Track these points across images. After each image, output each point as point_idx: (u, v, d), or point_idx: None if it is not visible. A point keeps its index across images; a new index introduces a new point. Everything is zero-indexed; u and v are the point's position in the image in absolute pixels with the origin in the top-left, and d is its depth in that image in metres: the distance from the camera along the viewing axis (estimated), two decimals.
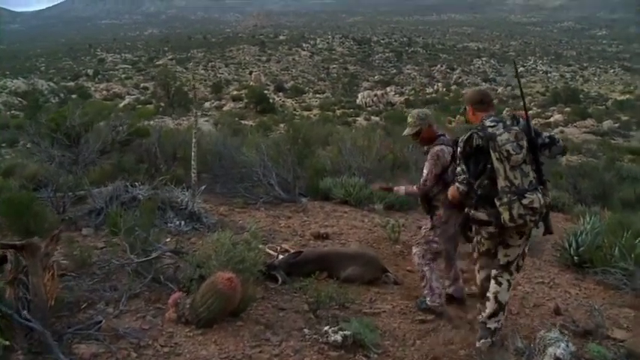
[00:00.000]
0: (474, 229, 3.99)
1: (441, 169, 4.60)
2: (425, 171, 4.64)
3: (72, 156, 8.69)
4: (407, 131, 4.79)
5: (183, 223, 6.48)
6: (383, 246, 6.77)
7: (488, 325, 3.95)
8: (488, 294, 3.97)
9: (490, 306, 3.94)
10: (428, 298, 4.71)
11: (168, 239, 4.80)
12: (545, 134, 3.94)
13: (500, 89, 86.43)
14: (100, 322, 3.57)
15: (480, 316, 4.03)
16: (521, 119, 3.87)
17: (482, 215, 3.82)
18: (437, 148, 4.64)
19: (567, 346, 3.60)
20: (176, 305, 3.77)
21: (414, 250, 4.86)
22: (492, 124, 3.80)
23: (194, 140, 6.83)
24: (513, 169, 3.66)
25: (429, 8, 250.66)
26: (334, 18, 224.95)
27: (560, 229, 9.32)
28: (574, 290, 5.75)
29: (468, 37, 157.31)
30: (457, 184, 3.88)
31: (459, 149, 3.85)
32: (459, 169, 3.88)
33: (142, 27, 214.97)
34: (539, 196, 3.68)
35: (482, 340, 3.95)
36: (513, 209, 3.59)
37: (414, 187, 4.77)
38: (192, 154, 6.88)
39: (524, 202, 3.60)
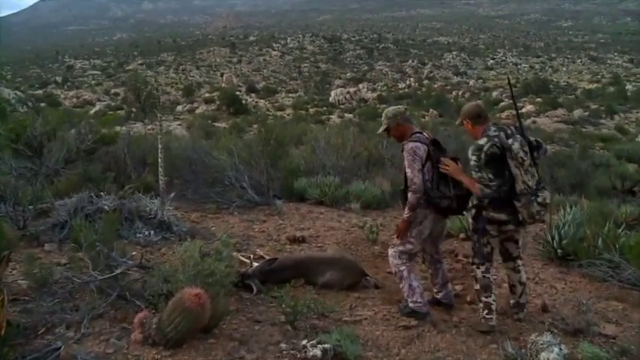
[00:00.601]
0: (479, 230, 4.41)
1: (420, 164, 4.39)
2: (408, 170, 4.40)
3: (34, 167, 8.30)
4: (380, 129, 4.82)
5: (152, 233, 6.20)
6: (361, 247, 6.56)
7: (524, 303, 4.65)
8: (514, 282, 4.67)
9: (520, 290, 4.64)
10: (409, 300, 4.49)
11: (134, 252, 4.50)
12: (532, 138, 4.34)
13: (471, 82, 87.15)
14: (59, 348, 3.28)
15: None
16: (513, 128, 4.32)
17: (502, 216, 4.25)
18: (411, 144, 4.43)
19: (560, 349, 3.43)
20: (142, 325, 3.49)
21: (390, 251, 4.65)
22: (496, 133, 4.21)
23: (160, 146, 6.52)
24: (526, 172, 4.12)
25: (398, 4, 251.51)
26: (303, 17, 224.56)
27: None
28: (560, 285, 5.59)
29: (438, 32, 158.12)
30: (484, 188, 4.17)
31: (474, 158, 4.17)
32: (479, 174, 4.17)
33: (111, 32, 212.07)
34: (547, 192, 4.23)
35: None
36: (532, 208, 4.12)
37: (409, 197, 4.38)
38: (159, 160, 6.58)
39: (539, 200, 4.14)
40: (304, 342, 3.60)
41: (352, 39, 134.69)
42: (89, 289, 4.22)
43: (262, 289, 4.79)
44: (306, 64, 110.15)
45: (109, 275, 4.10)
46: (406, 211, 4.44)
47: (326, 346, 3.49)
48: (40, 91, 74.56)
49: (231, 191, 8.74)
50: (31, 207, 6.12)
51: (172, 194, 7.11)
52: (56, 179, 8.30)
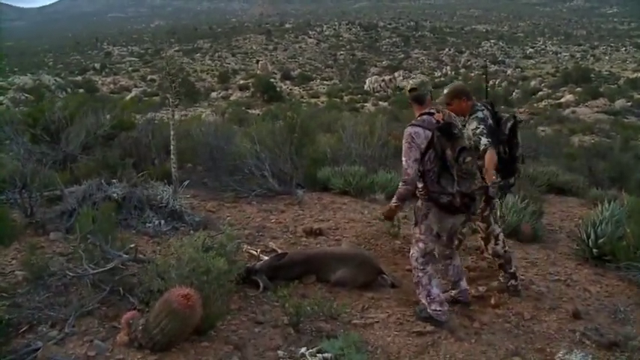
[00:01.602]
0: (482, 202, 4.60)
1: (419, 153, 3.94)
2: (403, 159, 3.98)
3: (51, 152, 8.16)
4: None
5: (162, 222, 5.93)
6: (381, 241, 6.17)
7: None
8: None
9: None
10: (428, 307, 4.12)
11: (132, 245, 4.23)
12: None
13: (509, 71, 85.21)
14: (38, 349, 3.03)
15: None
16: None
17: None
18: (410, 129, 3.99)
19: None
20: (129, 326, 3.22)
21: (412, 251, 4.28)
22: (483, 108, 4.62)
23: (172, 132, 6.25)
24: None
25: None
26: (340, 4, 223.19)
27: (575, 215, 8.73)
28: (594, 288, 5.13)
29: (476, 20, 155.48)
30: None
31: (482, 126, 4.46)
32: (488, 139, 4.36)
33: (148, 19, 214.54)
34: None
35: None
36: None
37: (399, 188, 4.04)
38: (172, 147, 6.31)
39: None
40: (303, 350, 3.28)
41: (388, 26, 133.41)
42: (84, 283, 3.98)
43: (269, 285, 4.46)
44: (341, 52, 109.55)
45: (101, 270, 3.83)
46: (394, 198, 4.11)
47: (326, 355, 3.15)
48: (79, 78, 75.89)
49: (251, 179, 8.46)
50: (37, 194, 5.91)
51: (186, 182, 6.85)
52: (74, 165, 8.16)
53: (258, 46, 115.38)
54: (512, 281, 4.78)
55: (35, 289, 3.96)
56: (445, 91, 4.92)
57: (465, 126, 4.63)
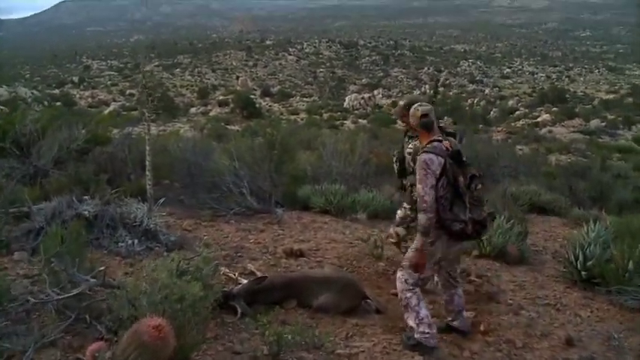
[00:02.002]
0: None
1: (434, 180, 3.80)
2: (419, 186, 3.81)
3: (21, 167, 7.83)
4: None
5: (136, 242, 5.65)
6: (364, 263, 5.95)
7: None
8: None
9: None
10: (416, 330, 3.91)
11: (101, 268, 3.95)
12: None
13: (487, 90, 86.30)
14: None
15: None
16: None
17: None
18: (424, 156, 3.84)
19: None
20: (94, 359, 2.95)
21: (399, 274, 4.07)
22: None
23: (147, 148, 6.00)
24: None
25: (415, 12, 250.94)
26: (320, 22, 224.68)
27: (558, 235, 8.63)
28: (584, 312, 4.97)
29: (455, 40, 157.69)
30: None
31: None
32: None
33: (128, 34, 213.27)
34: None
35: None
36: None
37: (420, 219, 3.79)
38: (147, 163, 6.05)
39: None
40: None
41: (368, 45, 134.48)
42: (48, 310, 3.70)
43: (248, 311, 4.20)
44: (321, 69, 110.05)
45: (66, 295, 3.55)
46: (418, 237, 3.85)
47: None
48: (56, 91, 75.05)
49: (229, 197, 8.20)
50: (2, 210, 5.60)
51: (162, 200, 6.57)
52: (45, 180, 7.83)
53: (238, 62, 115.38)
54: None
55: None
56: (401, 103, 4.85)
57: (413, 137, 4.76)
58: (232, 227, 7.18)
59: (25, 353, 3.11)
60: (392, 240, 5.46)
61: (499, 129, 43.53)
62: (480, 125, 44.61)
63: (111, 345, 3.12)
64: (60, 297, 3.56)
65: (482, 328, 4.38)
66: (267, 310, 4.12)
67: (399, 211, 5.39)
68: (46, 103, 53.84)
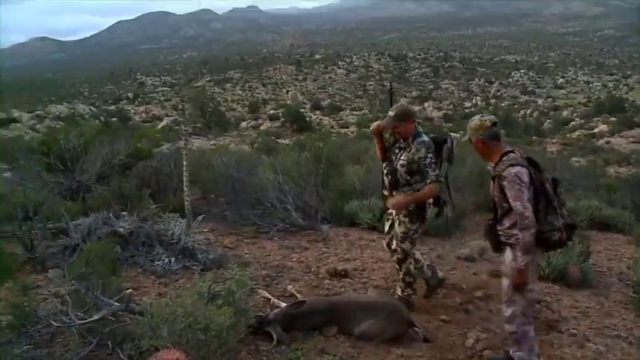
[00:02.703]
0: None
1: (528, 193, 3.53)
2: (516, 203, 3.50)
3: (65, 182, 7.79)
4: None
5: (173, 260, 5.44)
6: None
7: None
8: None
9: None
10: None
11: (128, 290, 3.72)
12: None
13: (540, 101, 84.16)
14: None
15: None
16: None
17: None
18: (513, 169, 3.54)
19: None
20: None
21: (509, 311, 3.72)
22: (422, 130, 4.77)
23: (185, 163, 5.78)
24: None
25: (465, 23, 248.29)
26: (369, 35, 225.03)
27: (623, 254, 7.98)
28: None
29: (505, 50, 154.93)
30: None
31: (431, 155, 4.56)
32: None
33: (181, 50, 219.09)
34: None
35: None
36: None
37: (523, 237, 3.49)
38: (185, 178, 5.83)
39: None
40: None
41: (418, 57, 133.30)
42: (72, 333, 3.48)
43: (284, 338, 3.88)
44: (371, 82, 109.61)
45: (87, 320, 3.32)
46: (520, 256, 3.52)
47: None
48: (112, 107, 77.35)
49: (273, 213, 7.94)
50: (41, 225, 5.47)
51: (201, 216, 6.36)
52: (87, 195, 7.77)
53: (288, 76, 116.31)
54: (409, 290, 4.94)
55: (18, 339, 3.47)
56: (391, 113, 4.61)
57: (404, 149, 4.66)
58: (275, 244, 6.90)
59: None
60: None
61: (554, 141, 42.23)
62: (534, 137, 43.37)
63: None
64: (82, 322, 3.33)
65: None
66: (305, 338, 3.79)
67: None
68: (102, 118, 55.50)
